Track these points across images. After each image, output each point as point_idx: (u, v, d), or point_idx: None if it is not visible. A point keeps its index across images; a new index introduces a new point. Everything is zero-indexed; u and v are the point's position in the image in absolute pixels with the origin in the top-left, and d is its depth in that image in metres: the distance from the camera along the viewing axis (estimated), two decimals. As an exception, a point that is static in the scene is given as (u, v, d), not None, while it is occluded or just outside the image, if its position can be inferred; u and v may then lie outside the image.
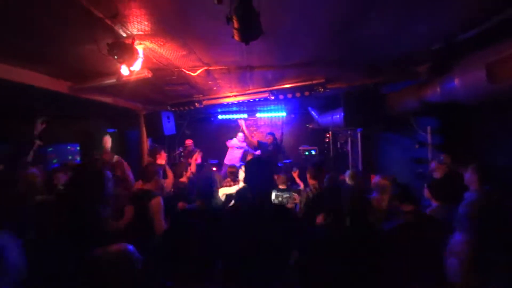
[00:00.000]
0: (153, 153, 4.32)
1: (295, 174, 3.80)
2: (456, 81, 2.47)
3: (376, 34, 2.49)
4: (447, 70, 2.70)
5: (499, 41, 2.16)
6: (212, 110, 6.98)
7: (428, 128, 3.47)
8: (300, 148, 7.04)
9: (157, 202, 2.27)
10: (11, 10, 1.79)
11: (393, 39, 2.61)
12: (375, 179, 2.66)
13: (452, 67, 2.62)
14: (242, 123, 5.84)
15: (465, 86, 2.38)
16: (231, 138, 6.75)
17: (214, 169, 6.93)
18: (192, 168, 4.30)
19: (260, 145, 5.41)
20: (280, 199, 3.49)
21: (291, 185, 3.90)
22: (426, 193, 2.41)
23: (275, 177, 3.52)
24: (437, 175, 2.99)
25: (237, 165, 5.45)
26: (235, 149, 6.42)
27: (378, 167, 5.26)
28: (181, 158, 7.13)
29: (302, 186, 3.71)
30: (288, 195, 3.52)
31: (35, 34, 2.18)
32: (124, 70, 2.25)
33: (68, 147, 7.05)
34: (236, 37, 1.68)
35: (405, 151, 4.30)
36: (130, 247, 1.16)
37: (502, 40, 2.14)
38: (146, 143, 5.67)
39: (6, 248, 1.01)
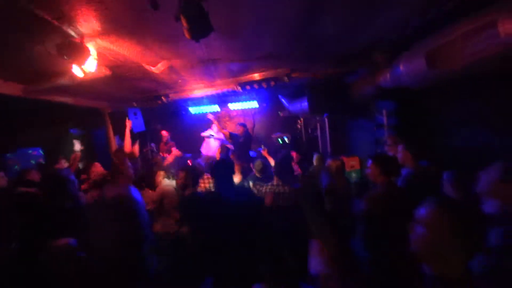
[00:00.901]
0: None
1: (264, 152, 3.91)
2: (401, 68, 2.69)
3: (331, 30, 2.61)
4: (395, 58, 2.91)
5: (437, 30, 2.37)
6: (182, 103, 6.88)
7: (384, 111, 3.73)
8: (273, 135, 7.21)
9: None
10: None
11: (348, 34, 2.75)
12: (327, 162, 2.86)
13: (400, 54, 2.83)
14: (211, 117, 5.84)
15: (409, 72, 2.60)
16: (206, 130, 6.75)
17: (189, 162, 6.93)
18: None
19: (231, 136, 5.46)
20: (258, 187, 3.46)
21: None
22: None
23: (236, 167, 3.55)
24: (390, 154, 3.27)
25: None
26: (211, 140, 6.44)
27: (346, 149, 5.57)
28: (153, 154, 7.03)
29: (273, 162, 3.77)
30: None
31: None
32: (77, 71, 2.18)
33: (30, 151, 6.66)
34: (187, 35, 1.71)
35: (368, 133, 4.60)
36: (72, 241, 1.23)
37: (440, 30, 2.35)
38: (114, 142, 5.51)
39: None
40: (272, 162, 3.75)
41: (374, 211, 1.85)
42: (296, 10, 2.09)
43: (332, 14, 2.17)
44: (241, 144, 5.18)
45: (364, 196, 1.95)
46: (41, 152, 6.62)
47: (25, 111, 4.77)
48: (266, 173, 3.27)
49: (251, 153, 5.83)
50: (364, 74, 3.67)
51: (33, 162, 6.74)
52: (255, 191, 2.99)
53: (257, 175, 3.47)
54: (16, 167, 6.16)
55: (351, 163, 5.33)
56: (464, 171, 1.89)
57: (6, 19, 1.78)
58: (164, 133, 6.63)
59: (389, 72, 2.96)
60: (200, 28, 1.67)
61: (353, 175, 5.22)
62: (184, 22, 1.62)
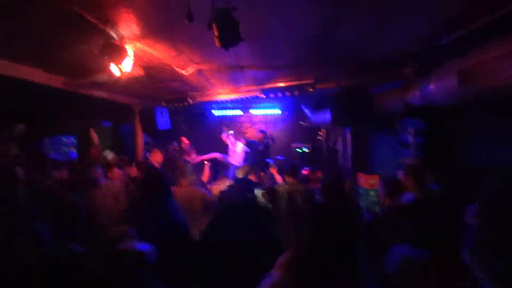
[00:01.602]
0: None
1: (273, 170, 3.91)
2: (432, 85, 2.60)
3: (354, 39, 2.62)
4: (426, 74, 2.83)
5: (470, 49, 2.29)
6: (206, 106, 7.08)
7: (411, 130, 3.60)
8: (293, 145, 7.18)
9: None
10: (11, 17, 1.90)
11: (371, 44, 2.73)
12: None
13: (430, 71, 2.75)
14: (225, 138, 5.89)
15: (439, 90, 2.51)
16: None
17: (206, 162, 7.07)
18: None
19: (249, 144, 5.50)
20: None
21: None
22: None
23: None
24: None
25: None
26: (237, 148, 6.24)
27: (367, 166, 5.42)
28: (177, 153, 7.26)
29: (280, 181, 3.75)
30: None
31: (33, 36, 2.29)
32: (114, 70, 2.36)
33: (64, 139, 7.14)
34: (217, 43, 1.80)
35: (391, 151, 4.45)
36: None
37: (472, 48, 2.26)
38: (141, 138, 5.79)
39: None
40: (278, 179, 3.73)
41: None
42: (314, 18, 2.13)
43: (354, 21, 2.19)
44: (260, 152, 5.21)
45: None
46: (73, 140, 7.09)
47: (63, 101, 5.16)
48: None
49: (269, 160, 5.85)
50: (392, 88, 3.58)
51: (65, 149, 7.25)
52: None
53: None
54: (51, 152, 6.66)
55: (370, 182, 5.15)
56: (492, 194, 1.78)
57: (59, 20, 1.98)
58: (184, 139, 6.55)
59: (419, 88, 2.88)
60: (230, 37, 1.75)
61: (371, 193, 5.06)
62: (215, 31, 1.71)
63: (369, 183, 5.14)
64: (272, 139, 6.11)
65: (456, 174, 2.91)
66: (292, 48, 2.86)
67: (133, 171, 4.04)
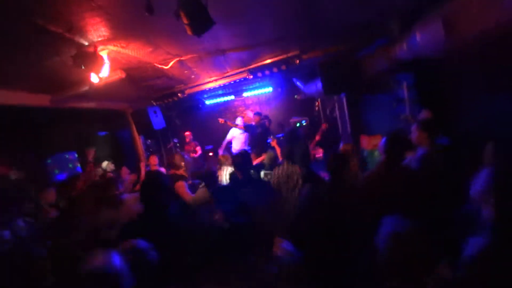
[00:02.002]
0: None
1: (273, 143, 3.91)
2: (418, 37, 2.51)
3: (337, 4, 2.49)
4: (411, 26, 2.71)
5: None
6: (198, 97, 6.99)
7: (404, 84, 3.53)
8: (291, 120, 7.13)
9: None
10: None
11: (356, 4, 2.60)
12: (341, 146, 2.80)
13: (415, 22, 2.64)
14: (221, 121, 5.83)
15: (426, 40, 2.42)
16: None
17: (211, 154, 7.12)
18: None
19: (247, 128, 5.47)
20: (268, 177, 3.51)
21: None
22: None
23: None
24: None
25: (245, 148, 5.51)
26: (238, 136, 6.21)
27: (366, 128, 5.39)
28: (177, 149, 7.29)
29: (279, 151, 3.73)
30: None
31: (3, 56, 2.23)
32: (94, 78, 2.31)
33: (66, 156, 7.18)
34: (188, 31, 1.74)
35: (387, 109, 4.40)
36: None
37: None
38: (139, 141, 5.79)
39: None
40: (279, 153, 3.72)
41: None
42: None
43: None
44: (259, 135, 5.20)
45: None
46: (75, 155, 7.13)
47: (55, 118, 5.14)
48: (275, 163, 3.36)
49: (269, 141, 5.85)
50: (379, 47, 3.47)
51: (70, 165, 7.30)
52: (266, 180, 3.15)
53: (266, 165, 3.55)
54: (56, 171, 6.72)
55: (374, 142, 5.15)
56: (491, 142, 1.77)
57: (22, 35, 1.91)
58: (187, 134, 6.70)
59: (405, 42, 2.78)
60: (201, 23, 1.68)
61: (376, 153, 5.07)
62: (184, 19, 1.64)
63: (372, 144, 5.15)
64: (268, 119, 6.06)
65: (455, 126, 2.88)
66: (272, 22, 2.74)
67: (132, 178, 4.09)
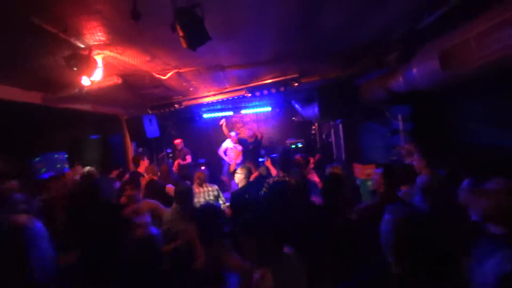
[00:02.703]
0: (136, 160, 4.43)
1: (267, 163, 3.83)
2: (414, 70, 2.53)
3: (335, 27, 2.53)
4: (408, 59, 2.75)
5: (451, 29, 2.22)
6: (196, 109, 7.00)
7: (399, 116, 3.54)
8: (287, 141, 7.11)
9: None
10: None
11: (354, 30, 2.65)
12: (327, 169, 2.75)
13: (412, 56, 2.68)
14: (222, 122, 5.86)
15: (422, 74, 2.44)
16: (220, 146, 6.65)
17: (203, 168, 6.99)
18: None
19: (240, 141, 5.45)
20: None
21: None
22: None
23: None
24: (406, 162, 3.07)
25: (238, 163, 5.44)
26: (231, 152, 6.14)
27: (361, 156, 5.36)
28: (169, 160, 7.18)
29: (275, 174, 3.68)
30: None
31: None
32: (85, 81, 2.27)
33: (56, 156, 7.04)
34: (183, 44, 1.72)
35: (382, 139, 4.40)
36: None
37: (454, 28, 2.19)
38: (131, 148, 5.69)
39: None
40: (274, 172, 3.65)
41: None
42: (291, 7, 2.05)
43: (332, 7, 2.10)
44: (250, 151, 5.16)
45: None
46: (65, 156, 6.98)
47: (49, 117, 5.07)
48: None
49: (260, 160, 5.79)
50: (376, 76, 3.51)
51: (58, 166, 7.13)
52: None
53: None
54: (44, 170, 6.54)
55: (367, 171, 5.10)
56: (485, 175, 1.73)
57: (17, 31, 1.89)
58: (177, 141, 6.55)
59: (402, 74, 2.81)
60: (196, 36, 1.67)
61: (369, 183, 5.00)
62: (179, 31, 1.63)
63: (365, 173, 5.08)
64: (260, 136, 6.06)
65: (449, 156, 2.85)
66: (271, 40, 2.76)
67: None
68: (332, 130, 6.16)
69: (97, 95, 4.00)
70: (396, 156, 3.73)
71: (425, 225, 0.96)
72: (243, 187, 3.23)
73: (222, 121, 5.87)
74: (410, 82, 2.69)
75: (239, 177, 3.33)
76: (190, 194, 2.52)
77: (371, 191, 4.86)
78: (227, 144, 6.14)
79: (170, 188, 3.44)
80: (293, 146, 7.00)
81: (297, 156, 3.51)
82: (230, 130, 6.27)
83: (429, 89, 2.57)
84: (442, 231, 0.96)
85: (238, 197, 3.05)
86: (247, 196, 3.00)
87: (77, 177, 4.13)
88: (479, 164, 2.34)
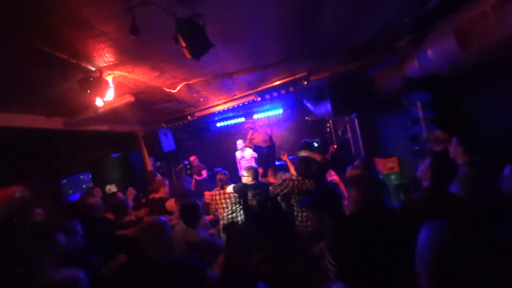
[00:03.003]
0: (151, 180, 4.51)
1: (284, 157, 3.76)
2: (429, 52, 2.40)
3: (339, 22, 2.46)
4: (422, 42, 2.62)
5: (465, 2, 2.08)
6: (209, 119, 7.07)
7: (418, 104, 3.37)
8: (302, 142, 7.01)
9: None
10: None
11: (359, 24, 2.56)
12: (348, 170, 2.63)
13: (425, 37, 2.54)
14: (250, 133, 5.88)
15: (438, 56, 2.31)
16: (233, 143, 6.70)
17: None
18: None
19: (256, 148, 5.44)
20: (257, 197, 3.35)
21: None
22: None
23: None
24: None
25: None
26: (242, 157, 6.16)
27: (380, 149, 5.15)
28: (188, 172, 7.27)
29: (292, 170, 3.56)
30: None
31: (14, 83, 2.34)
32: (99, 102, 2.34)
33: (81, 177, 7.36)
34: (187, 55, 1.72)
35: (402, 130, 4.20)
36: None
37: (467, 1, 2.05)
38: (149, 163, 5.83)
39: None
40: (291, 166, 3.62)
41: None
42: (289, 9, 2.02)
43: (331, 5, 2.04)
44: (265, 155, 5.12)
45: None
46: (90, 176, 7.29)
47: (71, 140, 5.32)
48: None
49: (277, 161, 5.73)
50: (388, 65, 3.37)
51: (84, 186, 7.45)
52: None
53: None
54: (71, 192, 6.85)
55: (389, 165, 4.89)
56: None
57: (31, 62, 1.98)
58: (192, 158, 6.54)
59: (416, 59, 2.67)
60: (199, 45, 1.67)
61: (392, 177, 4.79)
62: (182, 42, 1.64)
63: (387, 167, 4.88)
64: (272, 140, 6.01)
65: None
66: (274, 43, 2.74)
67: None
68: (348, 126, 5.99)
69: (113, 115, 4.14)
70: (419, 146, 3.54)
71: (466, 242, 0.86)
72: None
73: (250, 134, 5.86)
74: (426, 66, 2.55)
75: (246, 179, 3.31)
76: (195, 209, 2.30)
77: (396, 186, 4.66)
78: (237, 154, 6.16)
79: (170, 203, 3.38)
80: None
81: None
82: (244, 140, 6.25)
83: (447, 71, 2.42)
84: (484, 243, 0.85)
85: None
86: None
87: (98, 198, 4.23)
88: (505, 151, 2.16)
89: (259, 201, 3.25)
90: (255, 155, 6.01)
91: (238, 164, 6.21)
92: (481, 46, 1.90)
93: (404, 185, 4.56)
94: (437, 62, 2.36)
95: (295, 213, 2.91)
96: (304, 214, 2.79)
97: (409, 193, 4.13)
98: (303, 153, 3.65)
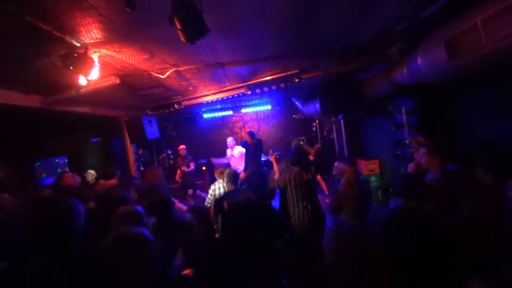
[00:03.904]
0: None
1: (271, 158, 3.69)
2: (419, 61, 2.47)
3: (336, 24, 2.48)
4: (412, 50, 2.69)
5: (457, 16, 2.15)
6: (196, 109, 6.95)
7: (403, 110, 3.48)
8: (291, 136, 7.07)
9: None
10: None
11: (354, 24, 2.59)
12: (336, 165, 2.69)
13: (417, 46, 2.61)
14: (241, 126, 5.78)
15: (428, 65, 2.38)
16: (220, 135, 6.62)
17: (204, 168, 6.95)
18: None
19: (244, 144, 5.42)
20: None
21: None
22: None
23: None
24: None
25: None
26: (233, 158, 6.05)
27: (363, 152, 5.30)
28: (170, 161, 7.13)
29: (276, 169, 3.42)
30: None
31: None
32: (82, 80, 2.22)
33: (56, 160, 7.01)
34: (182, 38, 1.66)
35: (386, 134, 4.33)
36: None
37: (460, 14, 2.12)
38: (131, 150, 5.64)
39: None
40: (276, 168, 3.53)
41: None
42: (288, 4, 2.00)
43: (329, 4, 2.04)
44: (253, 152, 5.11)
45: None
46: (65, 160, 6.95)
47: (49, 121, 5.03)
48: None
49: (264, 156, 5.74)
50: (378, 70, 3.44)
51: (59, 170, 7.11)
52: None
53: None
54: (44, 175, 6.51)
55: (370, 167, 5.05)
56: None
57: (12, 32, 1.83)
58: (181, 147, 6.25)
59: (406, 66, 2.75)
60: (194, 29, 1.61)
61: (372, 178, 4.95)
62: (177, 24, 1.57)
63: (368, 169, 5.04)
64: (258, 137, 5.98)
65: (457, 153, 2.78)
66: (270, 36, 2.70)
67: None
68: (334, 127, 6.10)
69: (96, 97, 3.95)
70: (401, 150, 3.67)
71: None
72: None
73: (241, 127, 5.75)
74: (415, 74, 2.62)
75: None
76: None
77: (375, 187, 4.81)
78: (228, 152, 6.11)
79: None
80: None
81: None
82: (231, 134, 6.18)
83: (435, 81, 2.51)
84: None
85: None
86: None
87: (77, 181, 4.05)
88: (487, 160, 2.26)
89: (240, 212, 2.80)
90: (243, 151, 5.96)
91: (229, 161, 6.12)
92: (470, 57, 1.98)
93: (383, 186, 4.73)
94: (426, 70, 2.43)
95: (291, 209, 2.75)
96: (302, 210, 2.68)
97: (388, 194, 4.28)
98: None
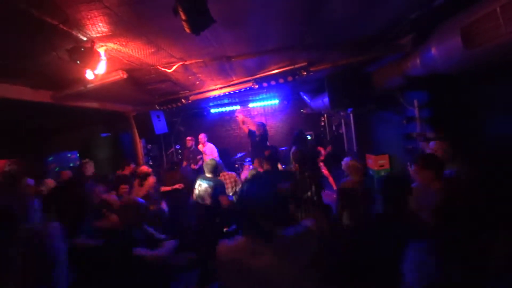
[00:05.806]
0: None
1: (255, 164, 3.73)
2: (433, 50, 2.37)
3: (345, 13, 2.39)
4: (426, 39, 2.58)
5: (473, 2, 2.04)
6: (203, 104, 6.95)
7: (415, 102, 3.36)
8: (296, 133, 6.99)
9: None
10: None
11: (365, 16, 2.50)
12: (345, 161, 2.61)
13: (430, 35, 2.51)
14: (239, 115, 5.76)
15: (442, 54, 2.28)
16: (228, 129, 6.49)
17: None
18: None
19: (249, 134, 5.39)
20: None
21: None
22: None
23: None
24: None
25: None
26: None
27: (373, 146, 5.19)
28: (179, 156, 7.18)
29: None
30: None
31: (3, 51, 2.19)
32: (89, 75, 2.23)
33: (68, 155, 7.19)
34: (186, 29, 1.64)
35: (397, 128, 4.21)
36: None
37: (477, 0, 2.01)
38: (140, 145, 5.70)
39: None
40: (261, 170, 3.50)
41: None
42: None
43: None
44: (257, 143, 5.09)
45: None
46: (77, 155, 7.12)
47: (60, 116, 5.14)
48: None
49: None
50: (389, 62, 3.33)
51: (71, 164, 7.29)
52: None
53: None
54: (57, 169, 6.68)
55: (380, 162, 4.94)
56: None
57: (18, 27, 1.85)
58: (188, 138, 5.99)
59: (419, 56, 2.64)
60: (199, 19, 1.58)
61: (382, 174, 4.84)
62: (182, 15, 1.54)
63: (378, 164, 4.93)
64: (265, 129, 5.90)
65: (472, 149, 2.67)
66: (278, 28, 2.64)
67: None
68: (343, 121, 6.00)
69: (104, 92, 3.99)
70: (412, 145, 3.56)
71: None
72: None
73: (239, 116, 5.71)
74: (429, 65, 2.52)
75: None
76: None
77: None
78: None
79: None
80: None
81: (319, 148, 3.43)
82: (239, 128, 6.10)
83: (450, 71, 2.40)
84: None
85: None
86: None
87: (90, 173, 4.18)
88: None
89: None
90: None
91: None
92: (487, 46, 1.88)
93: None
94: (440, 60, 2.33)
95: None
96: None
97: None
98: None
